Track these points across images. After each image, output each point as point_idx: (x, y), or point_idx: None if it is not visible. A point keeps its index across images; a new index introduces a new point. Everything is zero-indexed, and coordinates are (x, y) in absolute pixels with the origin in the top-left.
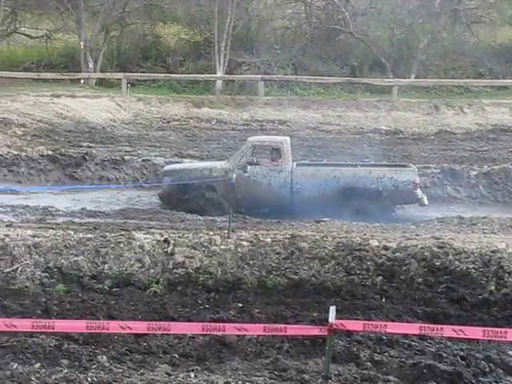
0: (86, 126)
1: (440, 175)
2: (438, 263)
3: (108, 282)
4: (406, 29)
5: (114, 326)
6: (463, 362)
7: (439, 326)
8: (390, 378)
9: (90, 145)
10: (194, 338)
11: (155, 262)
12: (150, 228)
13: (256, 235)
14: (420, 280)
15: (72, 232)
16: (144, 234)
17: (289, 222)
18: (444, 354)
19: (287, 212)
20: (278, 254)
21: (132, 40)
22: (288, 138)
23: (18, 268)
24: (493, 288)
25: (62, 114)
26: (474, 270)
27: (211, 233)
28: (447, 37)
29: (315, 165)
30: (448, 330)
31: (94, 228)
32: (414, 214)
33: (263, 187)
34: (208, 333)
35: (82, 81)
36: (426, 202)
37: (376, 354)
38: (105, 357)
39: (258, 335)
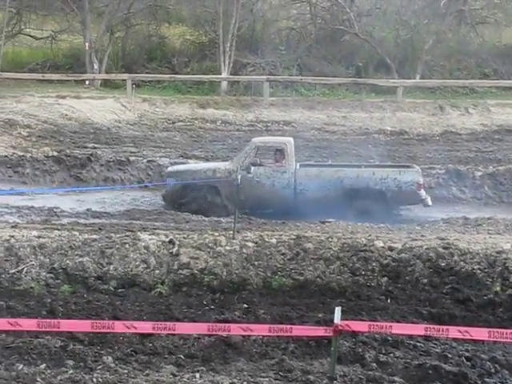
0: (91, 126)
1: (445, 176)
2: (443, 264)
3: (113, 283)
4: (411, 29)
5: (119, 326)
6: (468, 363)
7: (445, 327)
8: (396, 378)
9: (95, 146)
10: (199, 338)
11: (160, 263)
12: (155, 229)
13: (261, 236)
14: (425, 281)
15: (77, 233)
16: (149, 234)
17: (294, 222)
18: (449, 355)
19: (291, 213)
20: (283, 254)
21: (137, 41)
22: (291, 139)
23: (23, 269)
24: (498, 289)
25: (67, 114)
26: (479, 271)
27: (216, 234)
28: (452, 37)
29: (319, 165)
30: (453, 331)
31: (99, 229)
32: (419, 214)
33: (267, 188)
34: (213, 333)
35: (87, 82)
36: (430, 202)
37: (381, 355)
38: (110, 357)
39: (263, 336)
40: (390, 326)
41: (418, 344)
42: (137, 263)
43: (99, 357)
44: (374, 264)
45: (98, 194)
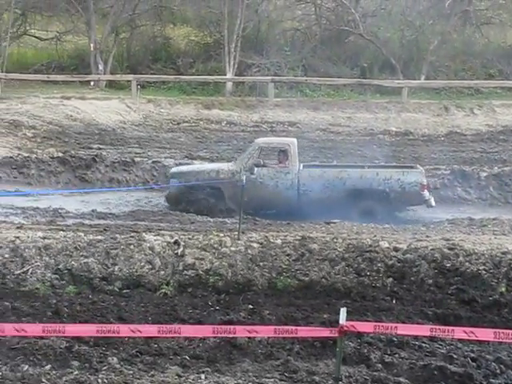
0: (96, 127)
1: (450, 176)
2: (448, 265)
3: (118, 284)
4: (416, 30)
5: (124, 330)
6: (474, 364)
7: (450, 328)
8: (401, 379)
9: (100, 147)
10: (204, 339)
11: (165, 264)
12: (160, 230)
13: (266, 237)
14: (430, 281)
15: (82, 234)
16: (154, 235)
17: (299, 223)
18: (454, 356)
19: (294, 214)
20: (288, 255)
21: (142, 42)
22: (295, 140)
23: (28, 270)
24: (503, 289)
25: (71, 115)
26: (484, 272)
27: (221, 234)
28: (457, 38)
29: (322, 166)
30: (459, 332)
31: (104, 230)
32: (424, 215)
33: (270, 189)
34: (219, 335)
35: (91, 83)
36: (433, 203)
37: (386, 356)
38: (115, 358)
39: (269, 337)
40: (396, 327)
41: (424, 345)
42: (142, 264)
43: (104, 358)
44: (379, 265)
45: (102, 195)
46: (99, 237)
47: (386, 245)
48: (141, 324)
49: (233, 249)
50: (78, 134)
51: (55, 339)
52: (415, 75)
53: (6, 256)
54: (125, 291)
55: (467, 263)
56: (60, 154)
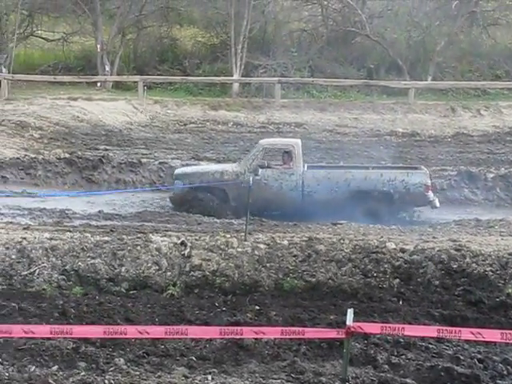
0: (103, 128)
1: (457, 178)
2: (455, 266)
3: (125, 285)
4: (422, 31)
5: (131, 331)
6: (481, 365)
7: (457, 329)
8: (408, 380)
9: (107, 147)
10: (211, 340)
11: (172, 265)
12: (167, 231)
13: (273, 238)
14: (437, 282)
15: (89, 235)
16: (161, 236)
17: (305, 224)
18: (461, 357)
19: (298, 215)
20: (294, 256)
21: (148, 43)
22: (299, 141)
23: (35, 271)
24: (510, 291)
25: (78, 116)
26: (491, 273)
27: (228, 235)
28: (464, 39)
29: (326, 167)
30: (466, 333)
31: (111, 231)
32: (430, 216)
33: (274, 190)
34: (226, 337)
35: (98, 84)
36: (438, 204)
37: (393, 357)
38: (122, 359)
39: (275, 338)
40: (403, 328)
41: (430, 346)
42: (148, 265)
43: (111, 359)
44: (385, 266)
45: (107, 196)
46: (106, 238)
47: (393, 246)
48: (148, 325)
49: (239, 250)
50: (84, 135)
51: (62, 340)
52: (422, 76)
53: (13, 257)
54: (131, 292)
55: (474, 264)
56: (67, 155)
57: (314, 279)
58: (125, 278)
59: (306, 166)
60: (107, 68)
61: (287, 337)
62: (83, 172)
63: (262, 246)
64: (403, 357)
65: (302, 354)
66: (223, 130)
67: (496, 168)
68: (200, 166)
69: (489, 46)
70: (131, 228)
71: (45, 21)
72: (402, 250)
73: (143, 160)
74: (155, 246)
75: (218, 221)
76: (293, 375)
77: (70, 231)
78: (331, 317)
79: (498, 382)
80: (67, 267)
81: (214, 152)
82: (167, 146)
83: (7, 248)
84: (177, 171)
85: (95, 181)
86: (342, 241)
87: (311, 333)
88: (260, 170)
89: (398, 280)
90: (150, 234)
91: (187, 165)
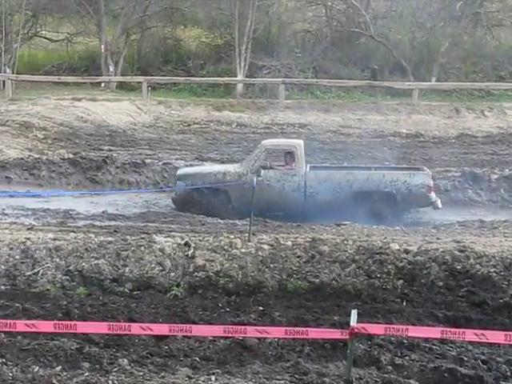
0: (107, 129)
1: (461, 179)
2: (458, 267)
3: (129, 285)
4: (426, 32)
5: (135, 328)
6: (484, 366)
7: (461, 330)
8: (411, 381)
9: (111, 148)
10: (214, 341)
11: (176, 265)
12: (171, 231)
13: (277, 238)
14: (441, 284)
15: (93, 235)
16: (165, 237)
17: (309, 225)
18: (465, 358)
19: (301, 216)
20: (298, 257)
21: (152, 43)
22: (301, 142)
23: (39, 271)
24: None
25: (82, 117)
26: (495, 274)
27: (232, 236)
28: (468, 40)
29: (329, 168)
30: (470, 334)
31: (115, 231)
32: (434, 217)
33: (277, 191)
34: (229, 335)
35: (102, 84)
36: (440, 205)
37: (397, 358)
38: (126, 360)
39: (279, 339)
40: (407, 329)
41: (434, 347)
42: (152, 265)
43: (115, 359)
44: (389, 267)
45: (110, 197)
46: (110, 238)
47: (397, 247)
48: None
49: (243, 250)
50: (88, 136)
51: (66, 340)
52: (426, 77)
53: (17, 257)
54: (135, 293)
55: (478, 265)
56: (71, 156)
57: (317, 280)
58: (128, 278)
59: (308, 166)
60: (111, 68)
61: (291, 337)
62: (87, 172)
63: (265, 246)
64: (407, 358)
65: (305, 355)
66: (227, 130)
67: (500, 169)
68: (202, 167)
69: (493, 47)
70: (135, 228)
71: (49, 21)
72: (406, 251)
73: (147, 160)
74: (159, 246)
75: (221, 221)
76: (296, 376)
77: (73, 232)
78: (335, 318)
79: (502, 383)
80: (71, 268)
81: (217, 153)
82: (171, 146)
83: (11, 248)
84: (179, 172)
85: (99, 181)
86: (345, 242)
87: (315, 333)
88: (262, 171)
89: (401, 281)
90: (154, 235)
91: (191, 165)
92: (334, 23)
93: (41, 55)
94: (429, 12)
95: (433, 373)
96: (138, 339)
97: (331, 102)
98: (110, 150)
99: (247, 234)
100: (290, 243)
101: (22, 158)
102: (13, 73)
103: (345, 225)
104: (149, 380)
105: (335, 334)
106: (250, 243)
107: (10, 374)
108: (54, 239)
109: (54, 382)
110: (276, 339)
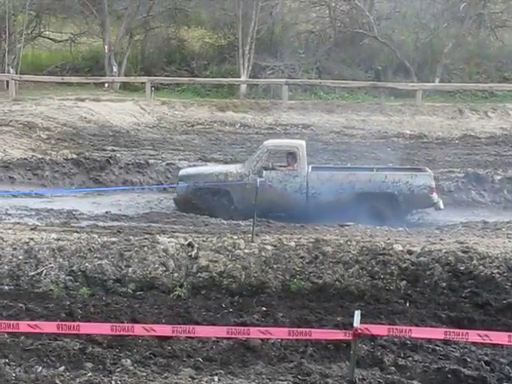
0: (110, 129)
1: (464, 179)
2: (462, 268)
3: (132, 286)
4: (430, 33)
5: (139, 329)
6: (487, 367)
7: (464, 331)
8: (414, 382)
9: (114, 148)
10: (217, 341)
11: (179, 266)
12: (174, 232)
13: (280, 239)
14: (444, 284)
15: (96, 235)
16: (168, 237)
17: (313, 226)
18: (468, 359)
19: (303, 217)
20: (301, 258)
21: (156, 44)
22: (303, 142)
23: (42, 271)
24: None
25: (86, 117)
26: (498, 275)
27: (235, 237)
28: (472, 41)
29: (331, 169)
30: (473, 335)
31: (118, 231)
32: (437, 218)
33: (279, 192)
34: (233, 336)
35: (106, 84)
36: (442, 206)
37: (400, 359)
38: (129, 360)
39: (282, 339)
40: (410, 330)
41: (437, 348)
42: (155, 266)
43: (118, 359)
44: (392, 267)
45: (113, 197)
46: (113, 239)
47: (400, 248)
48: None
49: (246, 251)
50: (92, 136)
51: (69, 341)
52: (429, 78)
53: (20, 257)
54: (138, 293)
55: (481, 266)
56: (74, 156)
57: (320, 281)
58: (132, 278)
59: (310, 167)
60: (115, 69)
61: (294, 337)
62: (90, 173)
63: (268, 247)
64: (410, 359)
65: (308, 356)
66: (230, 131)
67: (503, 170)
68: (204, 167)
69: (496, 47)
70: (138, 229)
71: (52, 21)
72: (409, 252)
73: (150, 161)
74: (162, 247)
75: (225, 222)
76: (299, 377)
77: (77, 232)
78: (338, 318)
79: None
80: (74, 268)
81: (221, 153)
82: (174, 147)
83: (14, 248)
84: (181, 172)
85: (102, 181)
86: (348, 242)
87: (318, 334)
88: (264, 172)
89: (404, 282)
90: (157, 235)
91: (194, 165)
92: (338, 24)
93: (44, 55)
94: (432, 13)
95: (436, 374)
96: (141, 340)
97: (335, 102)
98: (114, 151)
99: (250, 235)
100: (293, 244)
101: (25, 159)
102: (16, 73)
103: (348, 226)
104: (152, 380)
105: (338, 334)
106: (253, 244)
107: (13, 374)
108: (58, 239)
109: (57, 382)
110: (279, 340)
